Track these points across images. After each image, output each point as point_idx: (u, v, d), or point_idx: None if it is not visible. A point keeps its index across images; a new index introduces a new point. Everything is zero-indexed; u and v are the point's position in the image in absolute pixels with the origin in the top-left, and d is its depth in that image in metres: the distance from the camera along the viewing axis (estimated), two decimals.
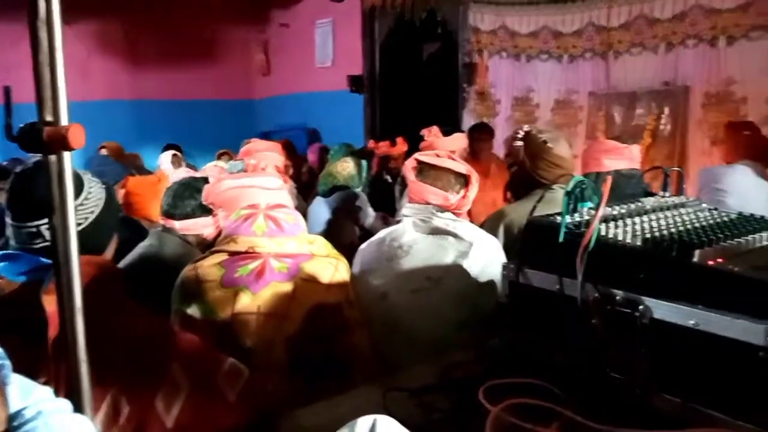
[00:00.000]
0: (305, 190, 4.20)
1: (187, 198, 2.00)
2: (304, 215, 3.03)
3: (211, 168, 3.01)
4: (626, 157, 2.39)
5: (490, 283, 1.67)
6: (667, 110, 4.19)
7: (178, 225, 2.01)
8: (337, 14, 6.79)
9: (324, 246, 1.73)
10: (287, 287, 1.57)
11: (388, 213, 3.40)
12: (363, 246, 1.92)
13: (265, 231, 1.64)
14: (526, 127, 2.29)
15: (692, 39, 4.04)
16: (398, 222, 1.92)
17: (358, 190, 3.23)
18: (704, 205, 1.50)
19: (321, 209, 3.14)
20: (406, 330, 1.71)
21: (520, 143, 2.25)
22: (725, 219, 1.32)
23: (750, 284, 0.99)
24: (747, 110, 3.80)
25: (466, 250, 1.72)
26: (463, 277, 1.70)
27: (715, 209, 1.43)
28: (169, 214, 2.02)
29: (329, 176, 3.22)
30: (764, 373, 0.92)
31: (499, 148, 4.86)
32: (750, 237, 1.17)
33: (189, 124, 7.26)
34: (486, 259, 1.73)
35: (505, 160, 2.36)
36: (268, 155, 2.92)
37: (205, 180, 2.02)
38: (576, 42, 4.71)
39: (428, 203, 1.83)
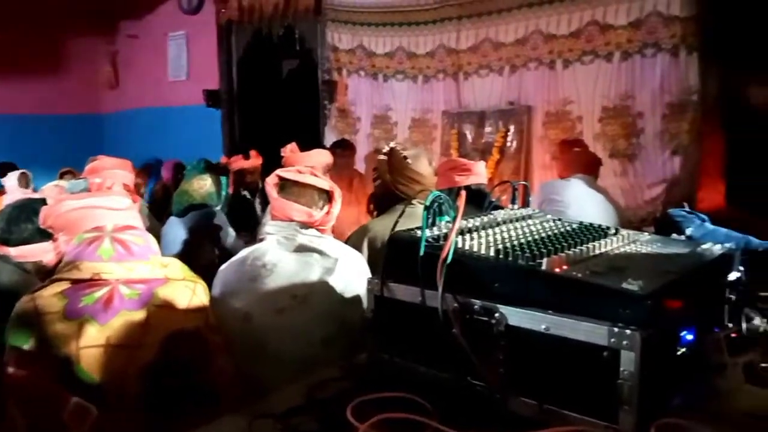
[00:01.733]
0: (159, 209, 3.98)
1: (23, 221, 1.83)
2: (158, 237, 2.88)
3: (50, 188, 2.75)
4: (474, 173, 2.56)
5: (356, 299, 1.67)
6: (512, 128, 4.48)
7: (13, 252, 1.83)
8: (191, 27, 6.57)
9: (180, 269, 1.64)
10: (139, 315, 1.46)
11: (248, 230, 3.32)
12: (223, 267, 1.85)
13: (113, 255, 1.53)
14: (391, 144, 2.37)
15: (533, 62, 4.36)
16: (261, 240, 1.87)
17: (217, 208, 3.12)
18: (549, 216, 1.61)
19: (176, 230, 2.99)
20: (271, 351, 1.67)
21: (383, 158, 2.31)
22: (568, 228, 1.42)
23: (591, 289, 1.06)
24: (582, 128, 4.16)
25: (332, 266, 1.72)
26: (329, 294, 1.69)
27: (559, 220, 1.54)
28: (2, 240, 1.83)
29: (185, 194, 3.08)
30: (609, 371, 0.99)
31: (360, 164, 4.93)
32: (590, 245, 1.27)
33: (28, 141, 6.64)
34: (351, 274, 1.73)
35: (373, 174, 2.41)
36: (115, 173, 2.73)
37: (43, 201, 1.85)
38: (429, 63, 4.91)
39: (292, 220, 1.81)
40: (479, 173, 2.63)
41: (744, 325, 1.35)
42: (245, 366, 1.66)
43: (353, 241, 2.16)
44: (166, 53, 6.88)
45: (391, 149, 2.31)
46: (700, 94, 3.63)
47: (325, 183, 1.88)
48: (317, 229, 1.83)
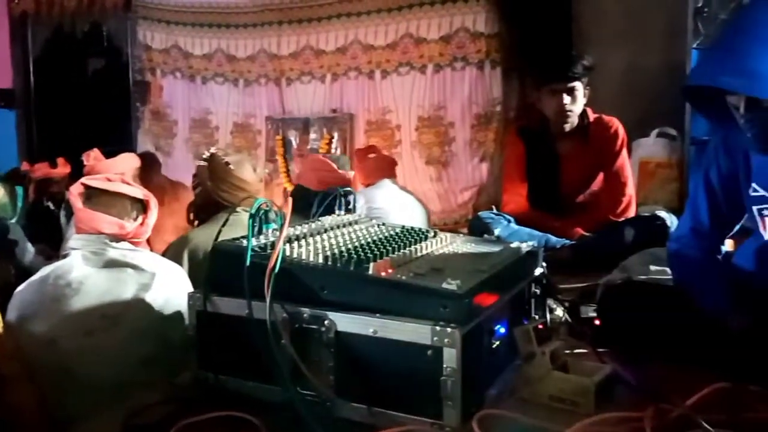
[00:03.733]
0: None
1: None
2: None
3: None
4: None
5: (177, 315, 1.58)
6: (336, 135, 4.55)
7: None
8: None
9: None
10: None
11: (54, 246, 3.00)
12: (21, 287, 1.65)
13: None
14: (212, 149, 2.28)
15: (353, 71, 4.46)
16: (65, 256, 1.70)
17: (12, 221, 2.78)
18: (374, 221, 1.65)
19: None
20: (82, 378, 1.52)
21: (204, 164, 2.22)
22: (392, 233, 1.47)
23: (415, 290, 1.11)
24: (401, 136, 4.34)
25: (148, 281, 1.61)
26: (146, 312, 1.58)
27: (383, 224, 1.59)
28: None
29: None
30: (433, 369, 1.03)
31: (177, 170, 4.70)
32: (412, 248, 1.32)
33: None
34: (170, 289, 1.63)
35: (193, 181, 2.30)
36: None
37: None
38: (250, 67, 4.82)
39: (101, 233, 1.66)
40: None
41: (548, 316, 1.49)
42: (52, 396, 1.49)
43: (172, 253, 2.05)
44: None
45: (212, 155, 2.23)
46: (503, 106, 3.97)
47: (138, 191, 1.75)
48: (130, 242, 1.70)
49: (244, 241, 1.22)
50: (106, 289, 1.58)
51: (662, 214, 2.63)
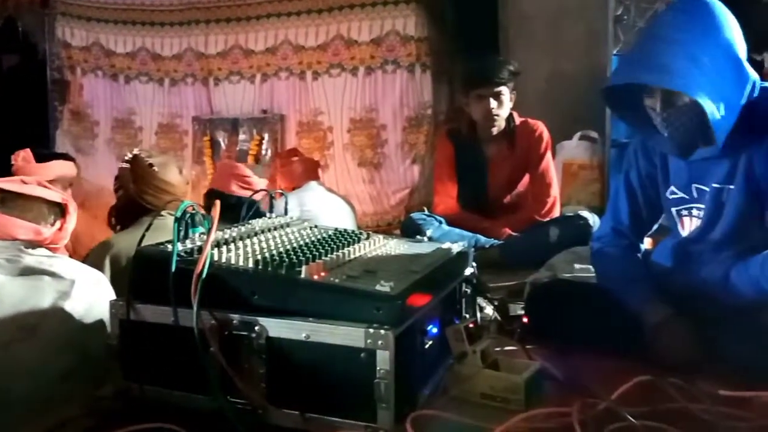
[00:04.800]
0: None
1: None
2: None
3: None
4: None
5: (99, 324, 1.51)
6: (266, 136, 4.48)
7: None
8: None
9: None
10: None
11: None
12: None
13: None
14: (135, 150, 2.20)
15: (284, 72, 4.42)
16: None
17: None
18: (306, 223, 1.63)
19: None
20: None
21: (126, 166, 2.14)
22: (324, 235, 1.46)
23: (348, 293, 1.10)
24: (333, 138, 4.32)
25: (67, 289, 1.53)
26: (66, 321, 1.50)
27: (316, 227, 1.57)
28: None
29: None
30: (367, 372, 1.03)
31: (99, 172, 4.52)
32: (345, 250, 1.31)
33: None
34: (91, 297, 1.56)
35: (114, 184, 2.21)
36: None
37: None
38: (176, 66, 4.70)
39: (15, 239, 1.57)
40: None
41: (478, 315, 1.52)
42: None
43: (93, 259, 1.96)
44: None
45: (135, 156, 2.15)
46: (433, 108, 4.03)
47: (56, 195, 1.67)
48: (47, 248, 1.62)
49: (169, 246, 1.18)
50: (22, 298, 1.49)
51: (585, 213, 2.73)
